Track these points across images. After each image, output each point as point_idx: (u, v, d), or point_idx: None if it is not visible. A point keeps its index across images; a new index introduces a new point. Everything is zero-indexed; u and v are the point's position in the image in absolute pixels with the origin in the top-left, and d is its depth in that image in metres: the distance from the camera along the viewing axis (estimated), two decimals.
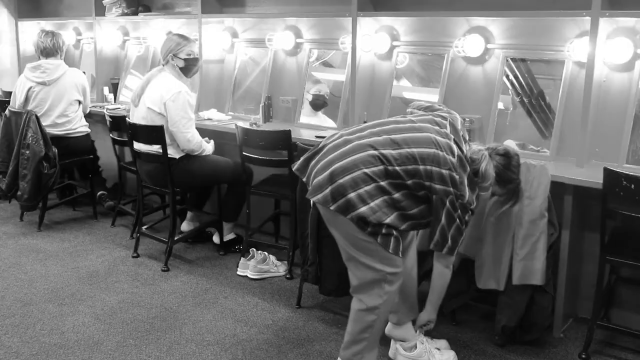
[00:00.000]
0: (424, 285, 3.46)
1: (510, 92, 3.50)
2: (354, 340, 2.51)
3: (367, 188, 2.31)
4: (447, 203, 2.32)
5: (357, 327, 2.49)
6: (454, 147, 2.37)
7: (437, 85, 3.74)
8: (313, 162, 2.47)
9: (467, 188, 2.34)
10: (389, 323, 2.83)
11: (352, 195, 2.30)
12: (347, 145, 2.39)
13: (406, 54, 3.90)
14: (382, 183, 2.32)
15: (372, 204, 2.31)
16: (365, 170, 2.31)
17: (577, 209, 3.02)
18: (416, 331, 2.79)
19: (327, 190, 2.33)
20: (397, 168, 2.32)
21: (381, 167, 2.32)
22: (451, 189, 2.31)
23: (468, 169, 2.37)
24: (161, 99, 3.78)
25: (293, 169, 2.60)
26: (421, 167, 2.32)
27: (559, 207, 2.93)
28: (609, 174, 2.64)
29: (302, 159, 2.55)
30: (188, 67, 3.92)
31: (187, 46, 3.91)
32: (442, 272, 2.50)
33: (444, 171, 2.31)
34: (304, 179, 2.52)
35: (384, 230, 2.35)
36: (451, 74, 3.70)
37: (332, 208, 2.33)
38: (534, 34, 3.40)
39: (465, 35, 3.59)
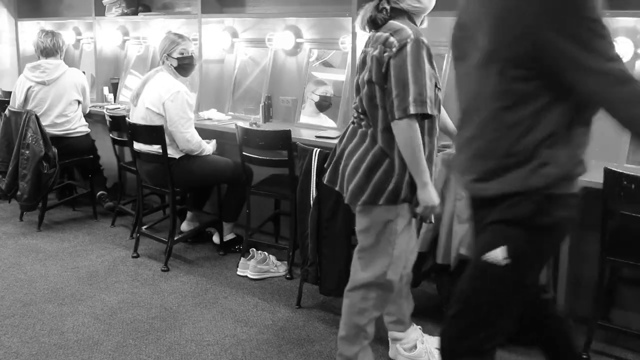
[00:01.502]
0: (424, 285, 3.47)
1: None
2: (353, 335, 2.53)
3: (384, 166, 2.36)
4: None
5: (356, 319, 2.50)
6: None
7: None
8: (341, 167, 2.50)
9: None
10: (389, 323, 2.83)
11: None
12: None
13: None
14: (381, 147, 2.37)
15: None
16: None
17: (577, 209, 3.01)
18: (426, 221, 2.60)
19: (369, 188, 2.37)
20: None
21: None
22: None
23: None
24: (160, 99, 3.77)
25: (325, 182, 2.61)
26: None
27: None
28: (609, 174, 2.64)
29: (330, 169, 2.58)
30: (182, 66, 3.91)
31: (181, 45, 3.89)
32: (408, 137, 2.31)
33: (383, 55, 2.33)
34: (337, 188, 2.54)
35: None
36: (451, 74, 3.69)
37: (381, 202, 2.36)
38: None
39: None
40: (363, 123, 2.44)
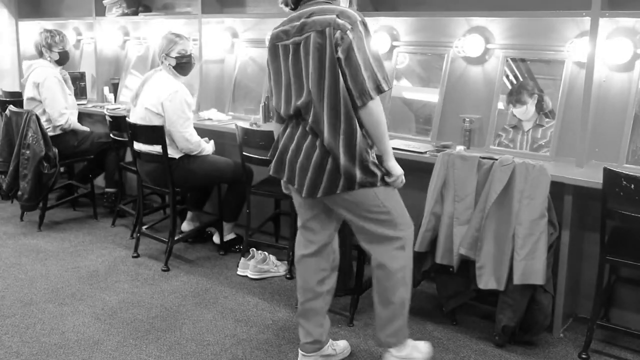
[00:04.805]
0: (424, 285, 3.47)
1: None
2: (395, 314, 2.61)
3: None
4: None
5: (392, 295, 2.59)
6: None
7: (437, 85, 3.74)
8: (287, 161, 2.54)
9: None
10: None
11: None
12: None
13: (406, 54, 3.90)
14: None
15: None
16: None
17: (577, 209, 3.02)
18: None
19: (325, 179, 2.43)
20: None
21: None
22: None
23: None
24: (158, 99, 3.78)
25: (275, 175, 2.64)
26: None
27: (559, 207, 2.93)
28: (608, 174, 2.64)
29: (274, 160, 2.62)
30: (181, 66, 3.91)
31: (179, 44, 3.89)
32: (378, 119, 2.39)
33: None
34: (285, 180, 2.60)
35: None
36: (451, 74, 3.70)
37: (339, 191, 2.43)
38: (534, 34, 3.40)
39: (465, 35, 3.59)
40: (303, 124, 2.47)
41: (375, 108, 2.36)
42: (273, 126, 2.75)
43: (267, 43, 2.62)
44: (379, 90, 2.35)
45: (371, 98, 2.33)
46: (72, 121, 4.69)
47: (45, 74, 4.62)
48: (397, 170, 2.53)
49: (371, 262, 2.63)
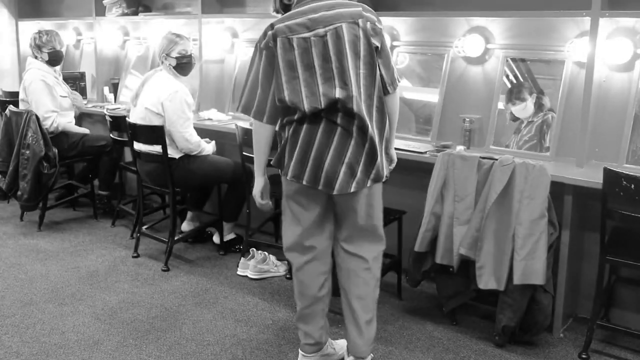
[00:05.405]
0: (424, 285, 3.47)
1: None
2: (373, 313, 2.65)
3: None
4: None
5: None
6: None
7: (437, 85, 3.74)
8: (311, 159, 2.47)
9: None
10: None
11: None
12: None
13: (406, 54, 3.90)
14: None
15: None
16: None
17: (577, 209, 3.02)
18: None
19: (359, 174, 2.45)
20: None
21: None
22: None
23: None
24: (158, 99, 3.78)
25: (289, 178, 2.51)
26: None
27: (559, 207, 2.93)
28: (608, 174, 2.64)
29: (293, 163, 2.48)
30: (181, 66, 3.91)
31: (179, 45, 3.89)
32: (398, 106, 2.62)
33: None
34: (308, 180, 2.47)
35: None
36: (451, 74, 3.70)
37: (369, 185, 2.46)
38: (534, 34, 3.40)
39: (465, 35, 3.59)
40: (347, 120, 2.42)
41: (398, 95, 2.59)
42: (260, 128, 2.53)
43: (263, 38, 2.49)
44: (398, 80, 2.55)
45: (397, 86, 2.53)
46: (58, 123, 4.61)
47: (32, 77, 4.62)
48: (395, 157, 2.70)
49: (354, 266, 2.62)
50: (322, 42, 2.36)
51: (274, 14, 2.58)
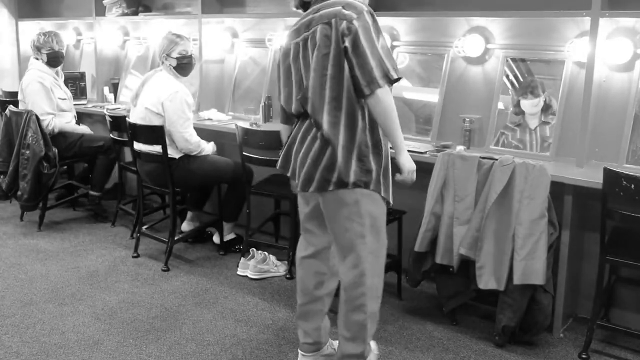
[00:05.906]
0: (424, 285, 3.47)
1: (510, 92, 3.50)
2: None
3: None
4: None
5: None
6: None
7: (437, 85, 3.74)
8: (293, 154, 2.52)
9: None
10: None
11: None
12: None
13: (406, 54, 3.90)
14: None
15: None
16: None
17: (577, 209, 3.02)
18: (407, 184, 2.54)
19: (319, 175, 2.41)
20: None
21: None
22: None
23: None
24: (158, 99, 3.78)
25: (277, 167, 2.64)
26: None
27: (559, 207, 2.93)
28: (608, 174, 2.64)
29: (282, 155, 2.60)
30: (182, 66, 3.91)
31: (180, 45, 3.89)
32: (387, 108, 2.33)
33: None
34: (289, 174, 2.56)
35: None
36: (451, 74, 3.70)
37: (331, 188, 2.39)
38: (534, 34, 3.40)
39: (465, 35, 3.59)
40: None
41: (384, 97, 2.30)
42: (280, 127, 2.74)
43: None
44: (388, 78, 2.30)
45: (379, 86, 2.27)
46: (54, 125, 4.59)
47: (29, 79, 4.62)
48: (407, 165, 2.44)
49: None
50: (305, 45, 2.40)
51: (294, 9, 2.56)
